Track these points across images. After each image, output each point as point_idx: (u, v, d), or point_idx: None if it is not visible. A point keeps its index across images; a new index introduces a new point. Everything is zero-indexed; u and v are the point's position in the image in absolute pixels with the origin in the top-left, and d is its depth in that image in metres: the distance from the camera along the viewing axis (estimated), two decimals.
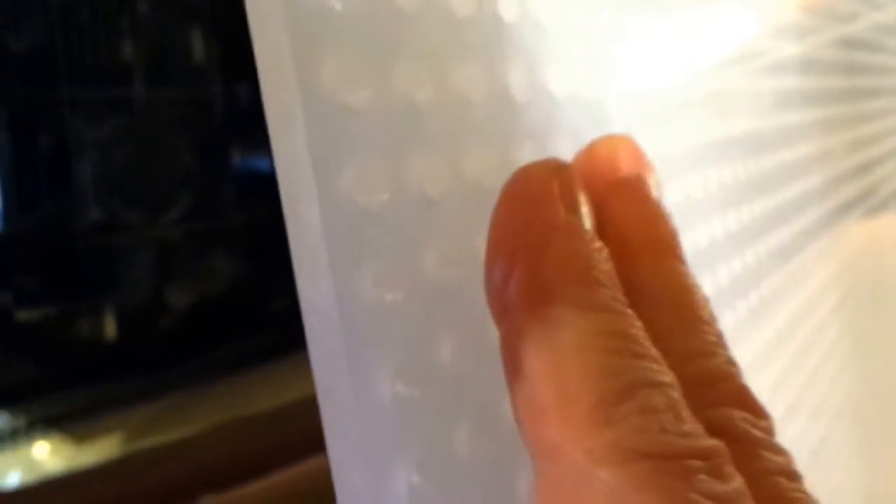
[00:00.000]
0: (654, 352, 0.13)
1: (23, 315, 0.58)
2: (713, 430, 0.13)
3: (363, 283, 0.13)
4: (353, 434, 0.13)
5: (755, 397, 0.15)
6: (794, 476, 0.14)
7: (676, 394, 0.13)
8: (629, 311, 0.13)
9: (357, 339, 0.13)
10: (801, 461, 0.14)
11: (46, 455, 0.64)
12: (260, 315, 0.82)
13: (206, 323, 0.71)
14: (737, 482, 0.12)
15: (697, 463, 0.12)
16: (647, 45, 0.27)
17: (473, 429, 0.15)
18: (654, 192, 0.17)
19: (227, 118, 0.66)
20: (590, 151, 0.17)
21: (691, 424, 0.12)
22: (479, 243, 0.14)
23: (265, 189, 0.76)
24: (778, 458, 0.14)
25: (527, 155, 0.17)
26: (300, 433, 0.71)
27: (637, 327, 0.13)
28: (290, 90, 0.13)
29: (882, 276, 0.67)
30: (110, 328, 0.63)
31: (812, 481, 0.13)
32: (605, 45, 0.23)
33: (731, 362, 0.15)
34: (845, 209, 0.56)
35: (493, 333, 0.15)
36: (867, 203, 0.64)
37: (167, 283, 0.67)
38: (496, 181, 0.14)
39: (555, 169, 0.14)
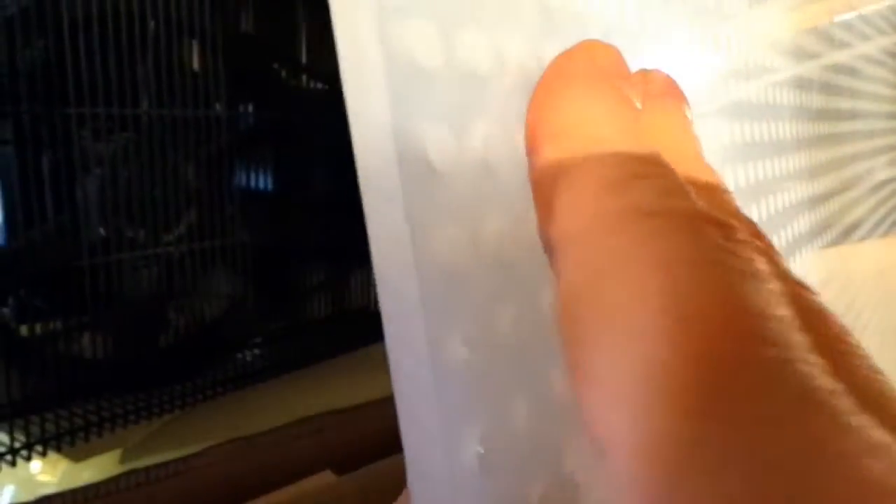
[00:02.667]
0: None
1: (24, 330, 0.58)
2: None
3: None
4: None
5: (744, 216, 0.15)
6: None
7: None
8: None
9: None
10: None
11: (42, 472, 0.64)
12: (259, 334, 0.82)
13: (206, 341, 0.71)
14: (750, 251, 0.11)
15: (711, 228, 0.11)
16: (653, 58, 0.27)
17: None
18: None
19: (230, 139, 0.66)
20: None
21: (704, 201, 0.12)
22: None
23: (267, 209, 0.76)
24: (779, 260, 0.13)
25: None
26: (299, 453, 0.70)
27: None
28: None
29: (854, 302, 0.68)
30: (110, 345, 0.63)
31: None
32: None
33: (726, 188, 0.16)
34: (817, 233, 0.57)
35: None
36: (839, 228, 0.64)
37: (168, 301, 0.67)
38: None
39: (601, 49, 0.15)
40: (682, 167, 0.14)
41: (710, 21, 0.33)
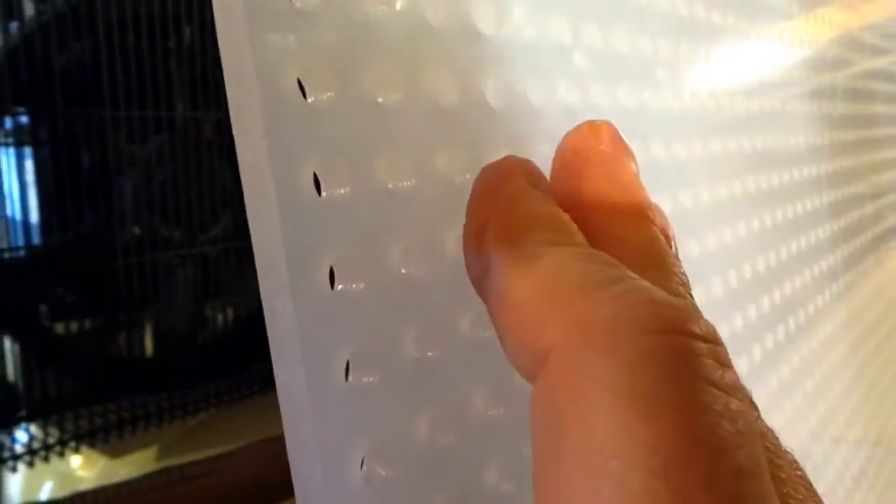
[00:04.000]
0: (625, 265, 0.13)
1: (60, 328, 0.59)
2: None
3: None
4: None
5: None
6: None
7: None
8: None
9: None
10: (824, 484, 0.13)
11: (79, 468, 0.65)
12: None
13: (243, 340, 0.71)
14: (735, 373, 0.11)
15: (698, 344, 0.11)
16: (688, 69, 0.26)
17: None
18: (633, 169, 0.17)
19: None
20: (571, 132, 0.17)
21: (684, 302, 0.12)
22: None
23: None
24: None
25: None
26: None
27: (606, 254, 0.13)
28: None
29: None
30: (147, 343, 0.64)
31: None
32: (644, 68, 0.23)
33: (695, 306, 0.15)
34: (860, 254, 0.54)
35: None
36: (874, 231, 0.62)
37: (205, 300, 0.68)
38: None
39: (521, 160, 0.15)
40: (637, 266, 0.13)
41: (771, 19, 0.31)
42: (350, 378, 0.13)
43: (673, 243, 0.18)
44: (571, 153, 0.16)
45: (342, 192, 0.13)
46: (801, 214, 0.41)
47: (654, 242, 0.15)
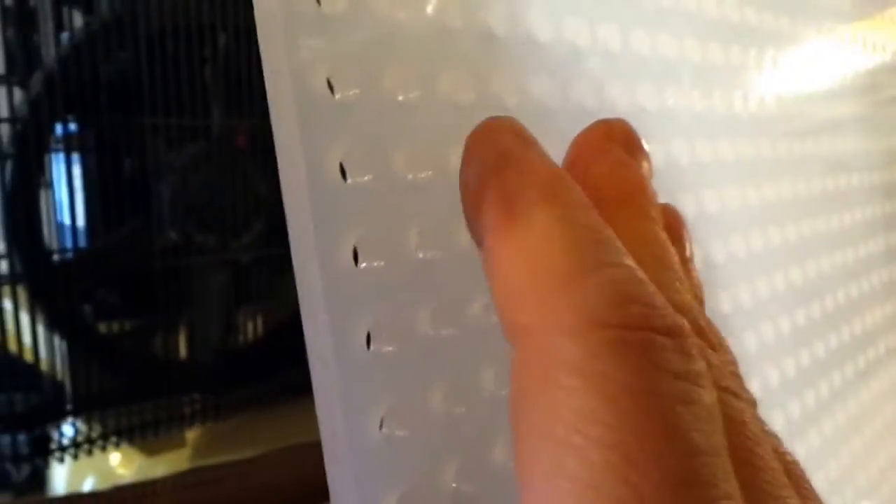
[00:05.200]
0: (619, 243, 0.13)
1: (102, 328, 0.61)
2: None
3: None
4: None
5: (718, 332, 0.15)
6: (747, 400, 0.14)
7: (642, 274, 0.13)
8: (593, 207, 0.14)
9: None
10: None
11: (118, 465, 0.67)
12: None
13: (275, 346, 0.73)
14: (700, 364, 0.12)
15: (661, 339, 0.12)
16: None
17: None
18: (646, 170, 0.17)
19: None
20: (585, 129, 0.17)
21: (658, 299, 0.12)
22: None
23: None
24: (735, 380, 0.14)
25: None
26: None
27: (601, 220, 0.13)
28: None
29: None
30: (183, 345, 0.66)
31: None
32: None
33: (696, 298, 0.16)
34: None
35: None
36: None
37: (238, 305, 0.69)
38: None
39: (504, 118, 0.15)
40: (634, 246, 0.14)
41: (839, 22, 0.32)
42: (371, 347, 0.15)
43: (688, 245, 0.19)
44: (581, 149, 0.17)
45: (365, 179, 0.15)
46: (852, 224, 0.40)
47: (654, 239, 0.16)
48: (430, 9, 0.16)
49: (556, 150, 0.17)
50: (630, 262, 0.13)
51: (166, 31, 0.55)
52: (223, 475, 0.67)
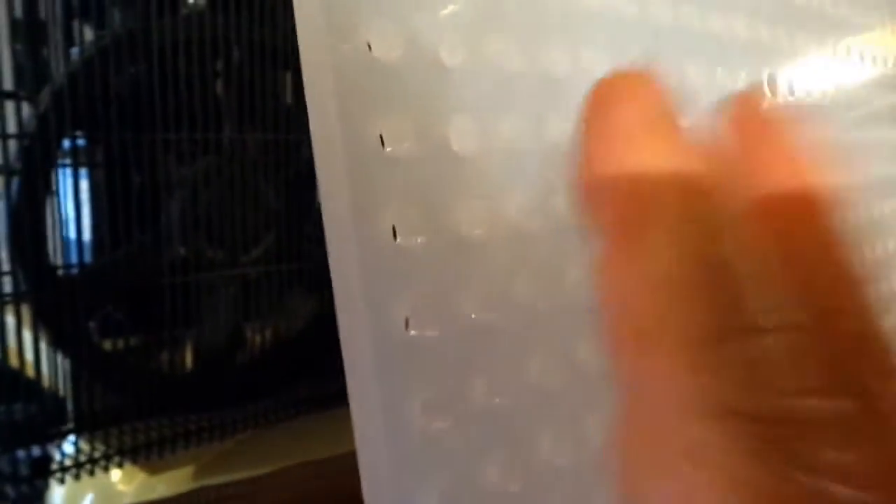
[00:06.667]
0: (752, 294, 0.12)
1: (107, 345, 0.60)
2: (836, 388, 0.11)
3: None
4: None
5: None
6: None
7: (780, 341, 0.11)
8: (724, 243, 0.12)
9: None
10: None
11: (119, 482, 0.66)
12: (335, 358, 0.82)
13: (282, 362, 0.72)
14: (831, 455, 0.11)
15: (792, 432, 0.11)
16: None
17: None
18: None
19: (311, 162, 0.67)
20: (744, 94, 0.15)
21: (795, 382, 0.11)
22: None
23: None
24: None
25: None
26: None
27: (731, 263, 0.12)
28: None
29: None
30: (189, 362, 0.65)
31: None
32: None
33: (877, 321, 0.13)
34: None
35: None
36: None
37: (246, 321, 0.68)
38: None
39: (638, 77, 0.14)
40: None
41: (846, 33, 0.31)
42: (410, 331, 0.14)
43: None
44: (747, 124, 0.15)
45: (405, 146, 0.14)
46: None
47: (836, 248, 0.14)
48: (487, 53, 0.15)
49: None
50: (764, 320, 0.12)
51: (178, 46, 0.54)
52: (229, 494, 0.66)
